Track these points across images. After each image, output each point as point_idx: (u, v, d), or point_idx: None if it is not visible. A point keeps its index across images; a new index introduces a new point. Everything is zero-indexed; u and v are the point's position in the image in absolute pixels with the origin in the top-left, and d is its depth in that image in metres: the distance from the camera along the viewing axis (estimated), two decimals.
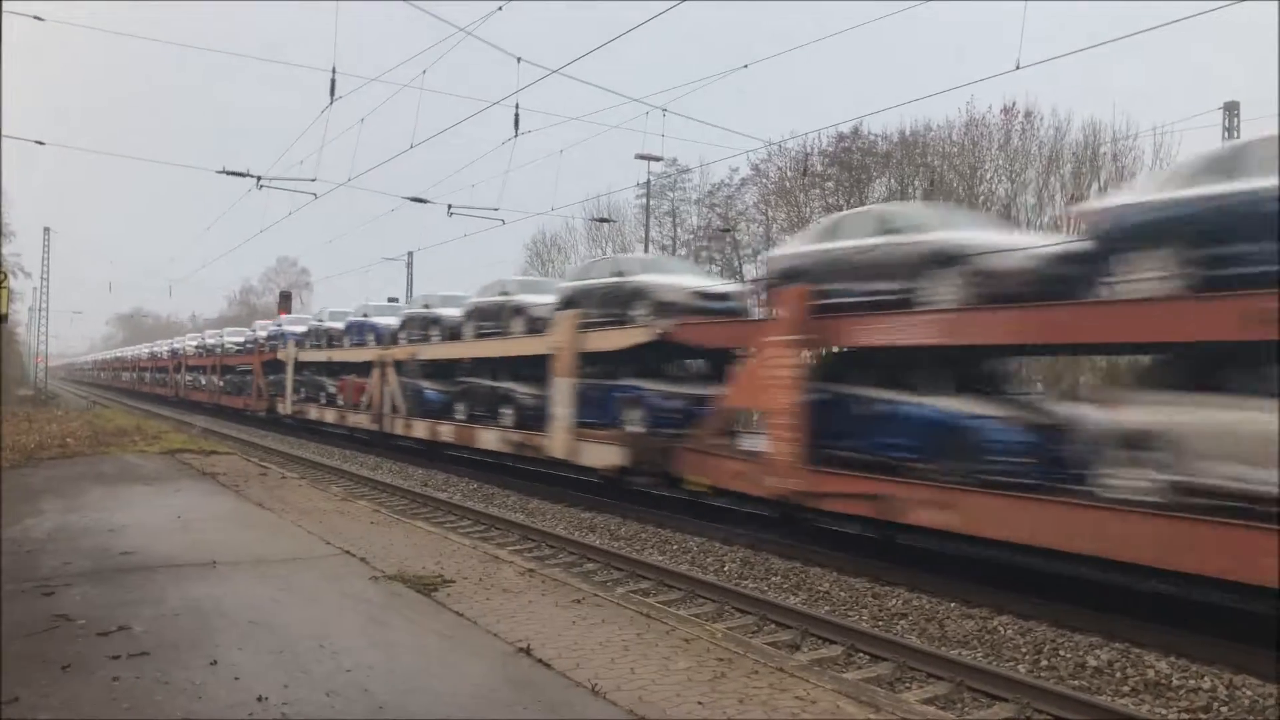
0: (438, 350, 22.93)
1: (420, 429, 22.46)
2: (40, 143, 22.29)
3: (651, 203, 44.20)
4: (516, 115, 16.79)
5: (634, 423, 15.10)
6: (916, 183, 34.48)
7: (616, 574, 10.98)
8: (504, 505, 16.19)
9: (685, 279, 15.82)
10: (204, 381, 45.91)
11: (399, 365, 24.27)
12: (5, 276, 13.87)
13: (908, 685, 7.24)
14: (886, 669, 7.53)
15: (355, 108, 19.38)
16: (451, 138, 18.91)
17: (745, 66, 16.23)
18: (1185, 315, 8.13)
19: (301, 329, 33.49)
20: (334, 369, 29.62)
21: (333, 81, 16.53)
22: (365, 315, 28.51)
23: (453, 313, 22.48)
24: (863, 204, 36.78)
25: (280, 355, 32.94)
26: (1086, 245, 9.42)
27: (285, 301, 54.43)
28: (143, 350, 71.54)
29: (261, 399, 34.82)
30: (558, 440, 16.34)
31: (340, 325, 30.09)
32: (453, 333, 22.27)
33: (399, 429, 23.69)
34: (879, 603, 9.54)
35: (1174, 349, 9.01)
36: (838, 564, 10.96)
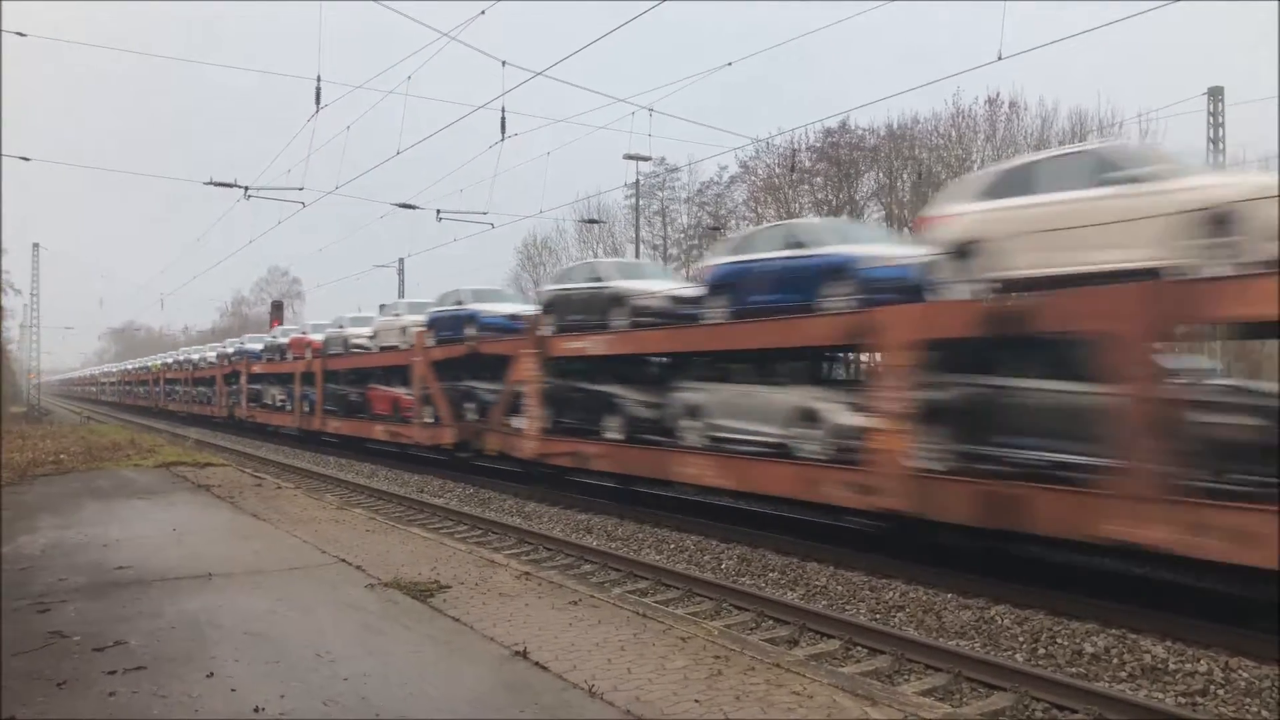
0: (337, 362, 27.43)
1: (334, 426, 27.01)
2: (25, 158, 22.20)
3: (641, 202, 44.26)
4: (503, 118, 16.86)
5: (471, 411, 19.96)
6: (905, 176, 34.56)
7: (614, 574, 11.00)
8: (500, 509, 16.19)
9: (507, 306, 20.43)
10: (179, 393, 49.98)
11: (329, 374, 27.72)
12: None
13: (905, 677, 7.26)
14: (884, 662, 7.55)
15: (341, 115, 19.37)
16: (439, 143, 18.91)
17: (729, 64, 16.28)
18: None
19: (259, 346, 36.97)
20: (283, 379, 32.80)
21: (318, 90, 16.55)
22: (304, 332, 31.65)
23: (361, 330, 26.45)
24: (852, 199, 36.87)
25: (238, 368, 37.90)
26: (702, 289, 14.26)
27: (277, 311, 54.49)
28: (126, 366, 72.73)
29: (222, 406, 40.03)
30: (415, 429, 21.72)
31: (285, 340, 33.25)
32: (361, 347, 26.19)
33: (317, 427, 28.34)
34: (876, 596, 9.56)
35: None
36: (835, 558, 10.98)
